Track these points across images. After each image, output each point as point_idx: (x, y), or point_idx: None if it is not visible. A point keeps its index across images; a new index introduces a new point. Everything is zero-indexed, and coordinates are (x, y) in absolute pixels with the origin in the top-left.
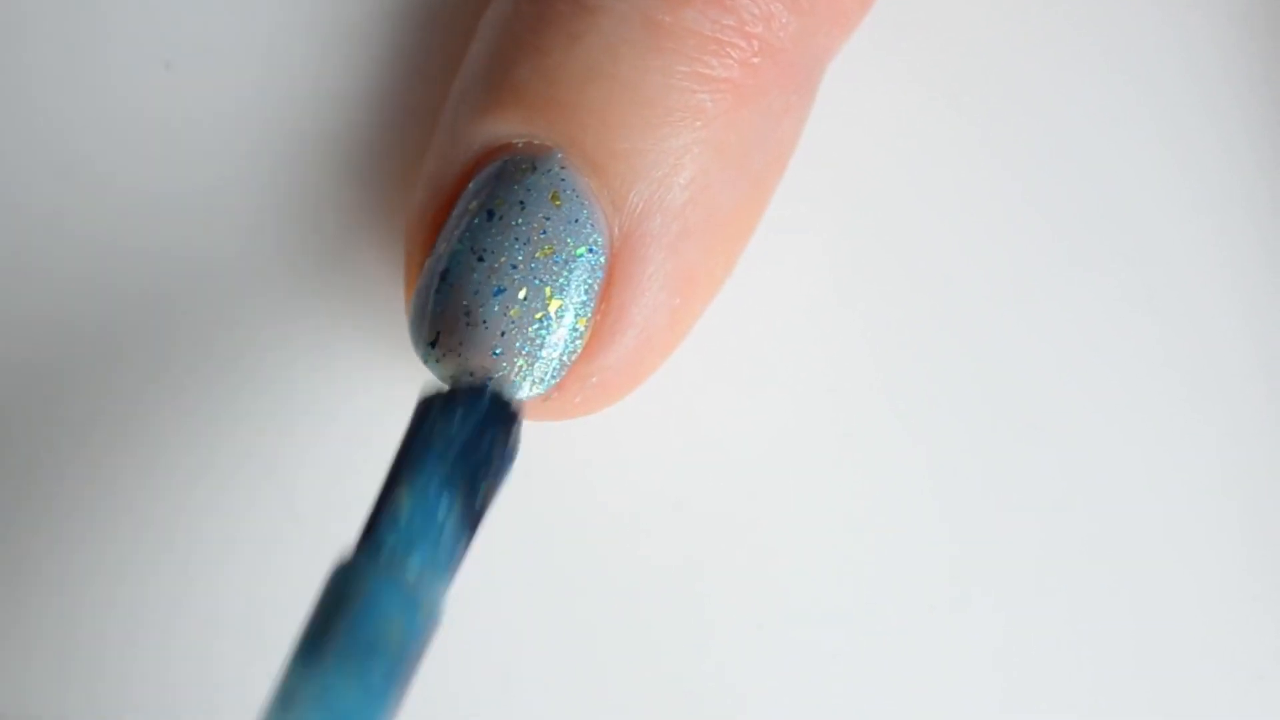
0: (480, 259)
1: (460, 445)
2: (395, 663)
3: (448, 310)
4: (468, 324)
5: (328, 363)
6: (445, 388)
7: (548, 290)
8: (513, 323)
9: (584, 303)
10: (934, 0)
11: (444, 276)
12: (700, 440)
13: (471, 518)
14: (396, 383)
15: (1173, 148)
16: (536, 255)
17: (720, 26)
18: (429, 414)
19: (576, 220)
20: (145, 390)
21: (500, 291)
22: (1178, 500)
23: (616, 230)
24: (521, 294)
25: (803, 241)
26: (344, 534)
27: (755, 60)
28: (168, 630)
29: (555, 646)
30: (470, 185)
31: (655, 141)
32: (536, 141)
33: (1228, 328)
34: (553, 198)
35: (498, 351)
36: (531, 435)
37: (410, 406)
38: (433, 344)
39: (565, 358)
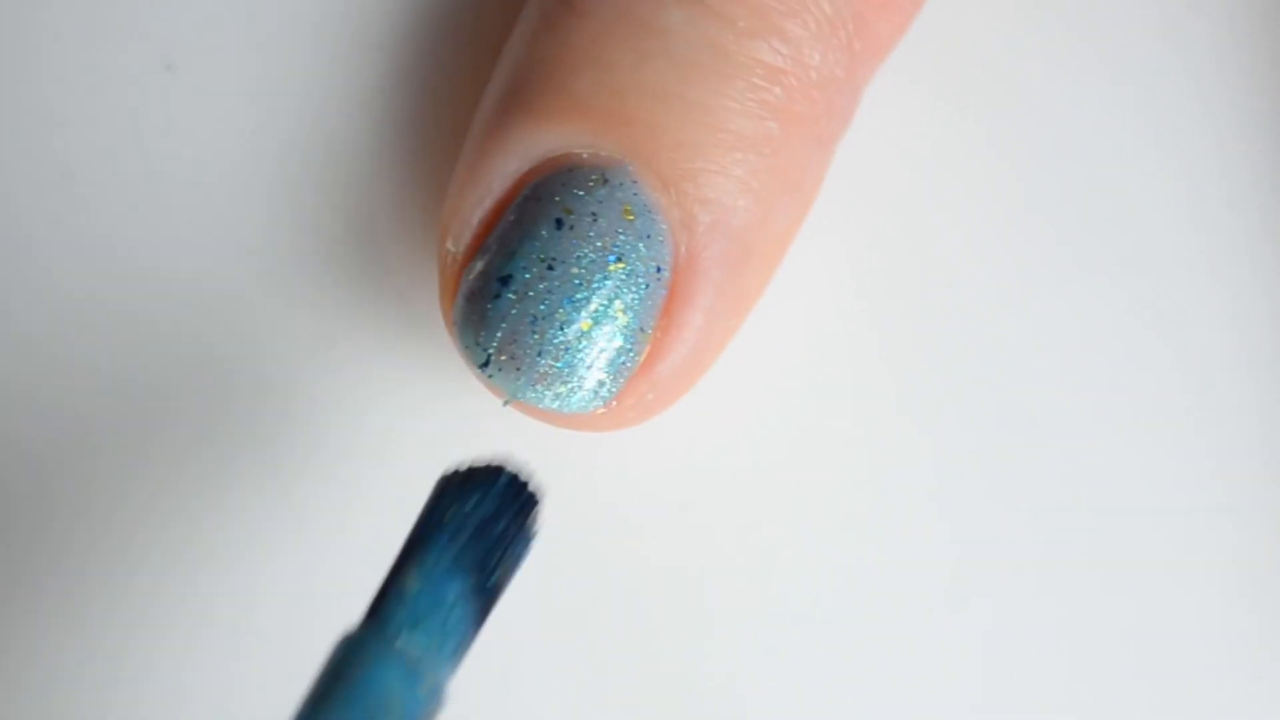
0: (550, 268)
1: (474, 527)
2: None
3: (511, 319)
4: (533, 333)
5: (335, 365)
6: (463, 468)
7: (618, 304)
8: (583, 335)
9: (650, 318)
10: (942, 10)
11: (506, 283)
12: (705, 442)
13: (483, 601)
14: (407, 385)
15: (1179, 157)
16: (610, 268)
17: (783, 57)
18: (445, 494)
19: (649, 236)
20: (147, 392)
21: (571, 303)
22: (1179, 503)
23: (683, 249)
24: (594, 306)
25: (806, 246)
26: (348, 539)
27: (814, 92)
28: (168, 631)
29: (557, 646)
30: (528, 191)
31: (726, 165)
32: (603, 154)
33: (1234, 335)
34: (625, 212)
35: (562, 363)
36: (535, 436)
37: (420, 410)
38: (489, 352)
39: (626, 372)
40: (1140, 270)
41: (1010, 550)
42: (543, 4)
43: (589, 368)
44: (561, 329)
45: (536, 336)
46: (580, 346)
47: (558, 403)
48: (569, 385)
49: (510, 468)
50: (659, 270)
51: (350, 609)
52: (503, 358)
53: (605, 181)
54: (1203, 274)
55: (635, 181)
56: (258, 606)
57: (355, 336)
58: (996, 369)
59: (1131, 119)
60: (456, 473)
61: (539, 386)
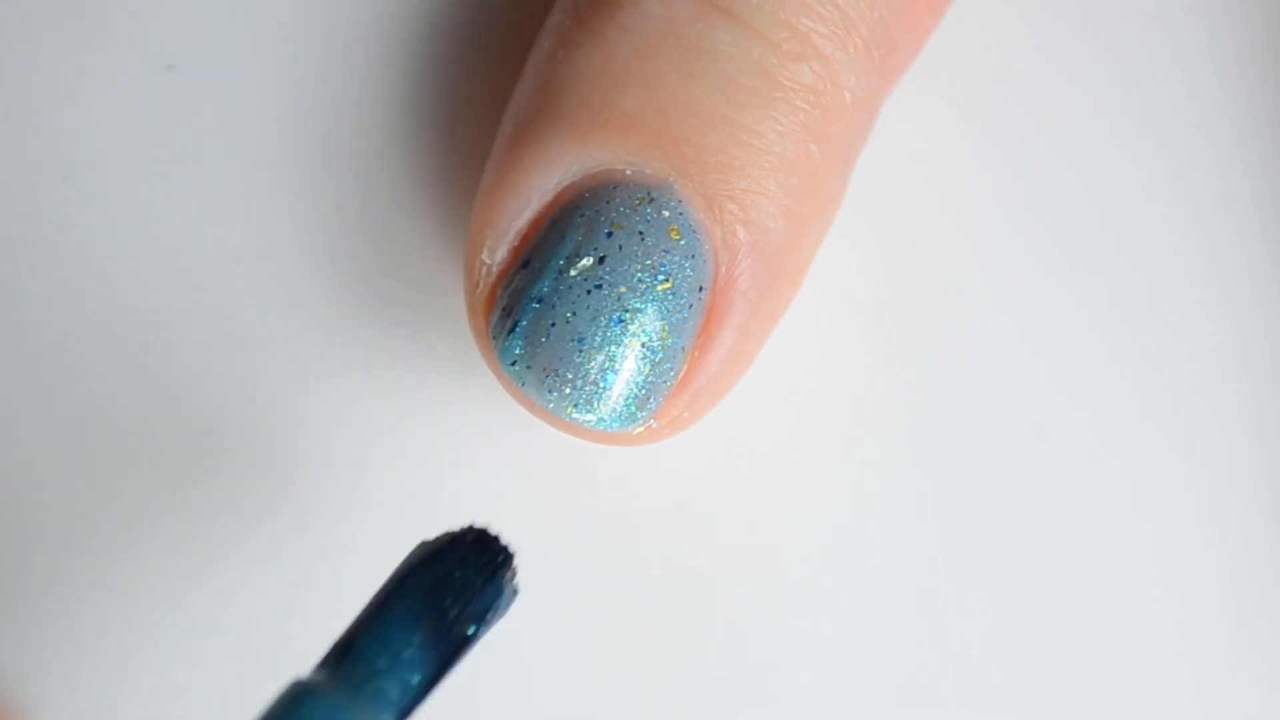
0: (598, 286)
1: (434, 580)
2: None
3: (555, 338)
4: (580, 352)
5: (337, 368)
6: (436, 536)
7: (664, 325)
8: (629, 355)
9: (690, 337)
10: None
11: (551, 301)
12: (700, 443)
13: (443, 655)
14: (413, 390)
15: (1191, 166)
16: (656, 288)
17: (822, 80)
18: (413, 557)
19: (694, 256)
20: (149, 395)
21: (620, 322)
22: (1182, 506)
23: (723, 269)
24: (639, 326)
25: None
26: (349, 542)
27: (848, 113)
28: (168, 633)
29: (555, 648)
30: (570, 205)
31: (769, 186)
32: (648, 171)
33: (1242, 342)
34: (673, 232)
35: (609, 381)
36: (532, 438)
37: (424, 415)
38: (532, 370)
39: (666, 391)
40: (1148, 276)
41: (1014, 554)
42: (579, 13)
43: (632, 388)
44: (607, 349)
45: (581, 357)
46: (625, 368)
47: (600, 423)
48: (611, 405)
49: (479, 525)
50: (701, 290)
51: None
52: (545, 377)
53: (652, 200)
54: (1206, 278)
55: (681, 201)
56: (257, 610)
57: (357, 337)
58: (1000, 375)
59: (1141, 128)
60: (426, 541)
61: (582, 406)
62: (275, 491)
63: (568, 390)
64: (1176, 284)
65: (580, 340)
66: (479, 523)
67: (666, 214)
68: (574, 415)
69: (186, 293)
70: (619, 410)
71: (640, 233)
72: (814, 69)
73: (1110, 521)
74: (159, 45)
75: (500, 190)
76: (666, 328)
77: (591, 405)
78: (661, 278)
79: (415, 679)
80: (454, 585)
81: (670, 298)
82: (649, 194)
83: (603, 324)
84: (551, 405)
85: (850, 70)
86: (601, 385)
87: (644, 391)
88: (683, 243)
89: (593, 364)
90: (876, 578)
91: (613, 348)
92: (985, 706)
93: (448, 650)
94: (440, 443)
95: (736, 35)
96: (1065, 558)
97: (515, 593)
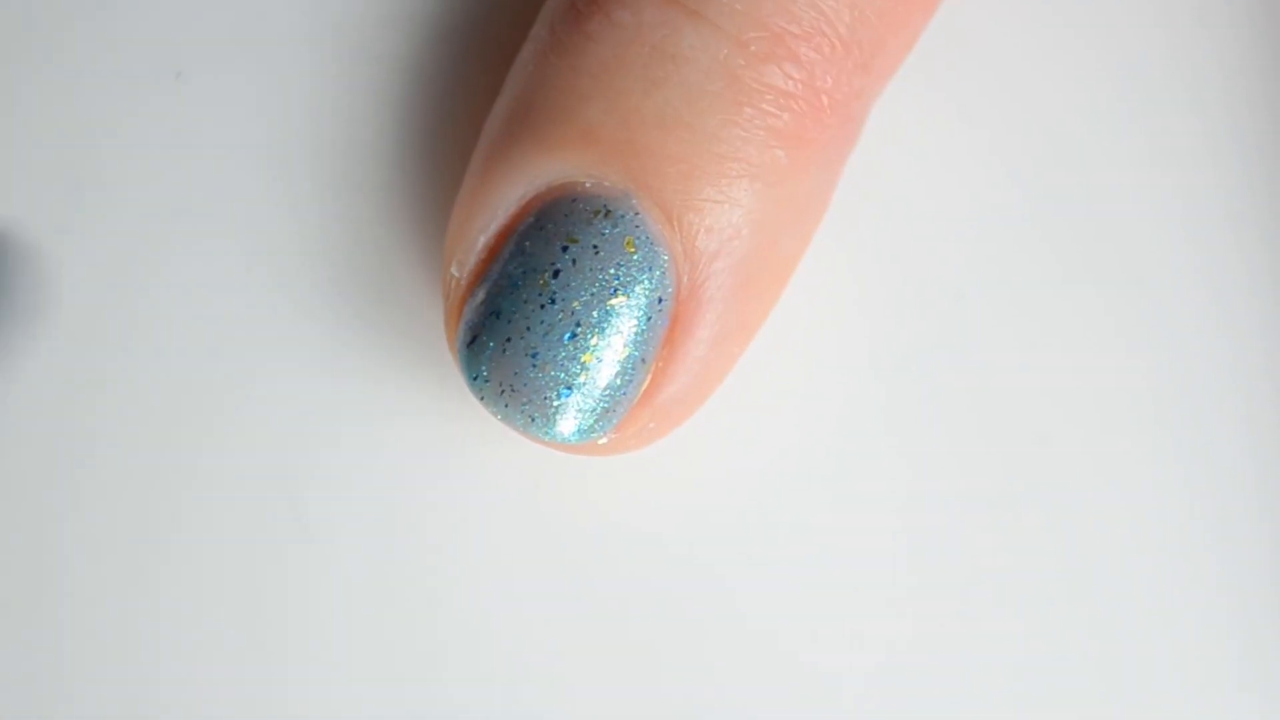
0: (552, 301)
1: None
2: None
3: (512, 352)
4: (533, 366)
5: (338, 371)
6: None
7: (619, 338)
8: (584, 368)
9: (651, 350)
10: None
11: (507, 316)
12: (700, 446)
13: None
14: (409, 391)
15: (1182, 169)
16: (610, 303)
17: (795, 82)
18: None
19: (651, 268)
20: (151, 401)
21: (573, 337)
22: (1178, 513)
23: (685, 279)
24: (593, 341)
25: (807, 256)
26: (349, 544)
27: (825, 118)
28: (167, 633)
29: (553, 654)
30: (532, 220)
31: (733, 194)
32: (607, 184)
33: (1241, 349)
34: (628, 244)
35: (563, 395)
36: (532, 448)
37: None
38: (491, 384)
39: (628, 402)
40: (1145, 283)
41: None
42: (553, 24)
43: (591, 400)
44: (562, 363)
45: (536, 371)
46: (581, 381)
47: (558, 436)
48: (569, 419)
49: None
50: (661, 301)
51: (351, 614)
52: (504, 390)
53: (608, 213)
54: (1205, 285)
55: (639, 214)
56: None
57: (359, 349)
58: (1000, 382)
59: (1141, 133)
60: None
61: (540, 418)
62: (274, 493)
63: (524, 404)
64: (1173, 291)
65: (534, 355)
66: None
67: (622, 227)
68: (532, 429)
69: (190, 298)
70: (578, 424)
71: (595, 246)
72: (785, 70)
73: (1107, 529)
74: (167, 53)
75: (470, 203)
76: (623, 341)
77: (549, 419)
78: (615, 291)
79: None
80: None
81: (625, 311)
82: (605, 206)
83: (555, 338)
84: (511, 418)
85: (827, 72)
86: (556, 400)
87: (601, 405)
88: (639, 255)
89: (546, 379)
90: (868, 583)
91: (567, 363)
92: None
93: None
94: (436, 447)
95: (704, 38)
96: (1061, 564)
97: None
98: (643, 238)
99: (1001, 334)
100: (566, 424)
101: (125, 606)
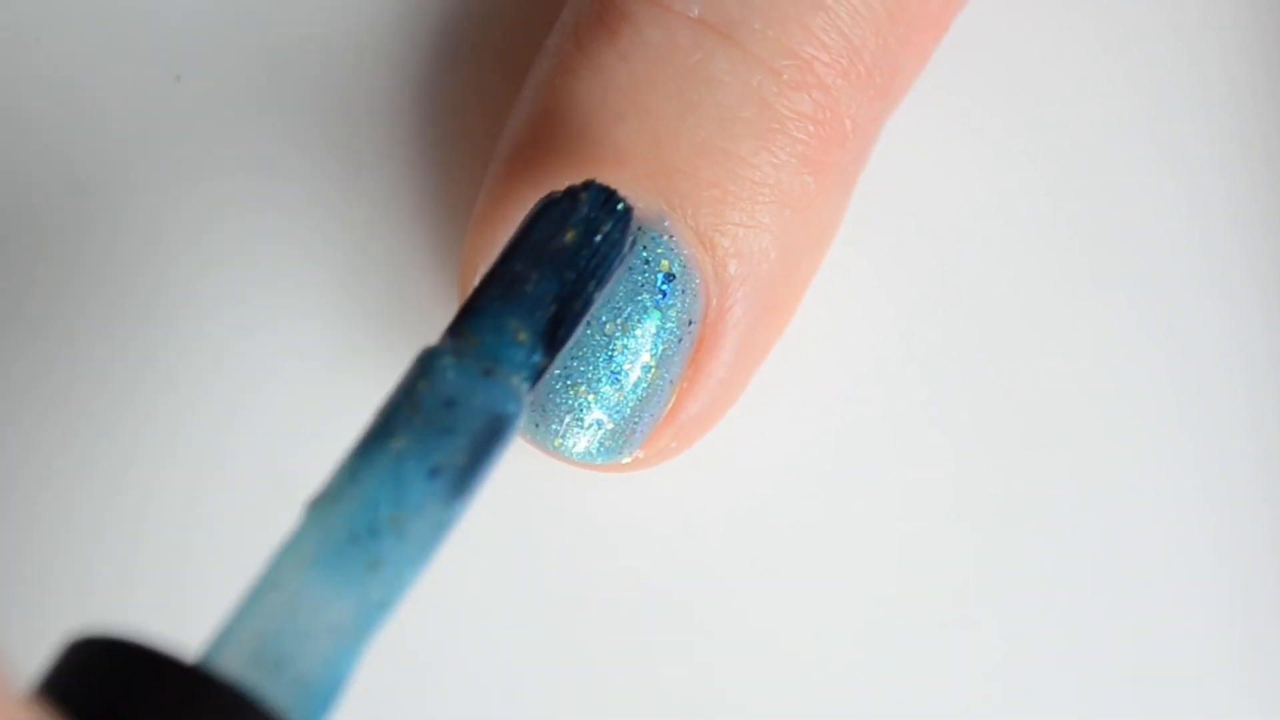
0: (585, 323)
1: (558, 247)
2: (472, 446)
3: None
4: (567, 389)
5: (339, 371)
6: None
7: (650, 359)
8: (615, 390)
9: (678, 370)
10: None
11: None
12: (704, 453)
13: (574, 310)
14: None
15: (1193, 174)
16: (644, 324)
17: (823, 109)
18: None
19: (684, 291)
20: (153, 403)
21: (605, 358)
22: (1193, 513)
23: (714, 302)
24: (626, 363)
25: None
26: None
27: (849, 143)
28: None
29: (553, 654)
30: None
31: (763, 220)
32: (640, 206)
33: (1249, 350)
34: (662, 266)
35: (592, 416)
36: (528, 457)
37: None
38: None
39: (654, 423)
40: (1154, 282)
41: (1022, 561)
42: (579, 37)
43: (618, 421)
44: (593, 385)
45: (569, 393)
46: (611, 403)
47: (585, 455)
48: (596, 438)
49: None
50: (691, 324)
51: None
52: (531, 410)
53: (642, 234)
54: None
55: (673, 236)
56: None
57: (362, 351)
58: (1016, 385)
59: (1154, 138)
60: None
61: (567, 439)
62: (274, 493)
63: (553, 424)
64: (1182, 296)
65: (566, 375)
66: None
67: (656, 249)
68: (559, 447)
69: (191, 300)
70: (604, 443)
71: (629, 268)
72: (814, 98)
73: (1112, 535)
74: (166, 56)
75: (493, 218)
76: (654, 362)
77: (576, 438)
78: (649, 313)
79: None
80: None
81: (658, 333)
82: (639, 228)
83: (587, 358)
84: (537, 437)
85: (852, 98)
86: (585, 419)
87: (629, 425)
88: (673, 278)
89: (577, 398)
90: (885, 590)
91: (598, 386)
92: (987, 708)
93: (576, 314)
94: None
95: (736, 63)
96: (1064, 569)
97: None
98: (677, 260)
99: (1008, 339)
100: (593, 444)
101: (125, 606)
